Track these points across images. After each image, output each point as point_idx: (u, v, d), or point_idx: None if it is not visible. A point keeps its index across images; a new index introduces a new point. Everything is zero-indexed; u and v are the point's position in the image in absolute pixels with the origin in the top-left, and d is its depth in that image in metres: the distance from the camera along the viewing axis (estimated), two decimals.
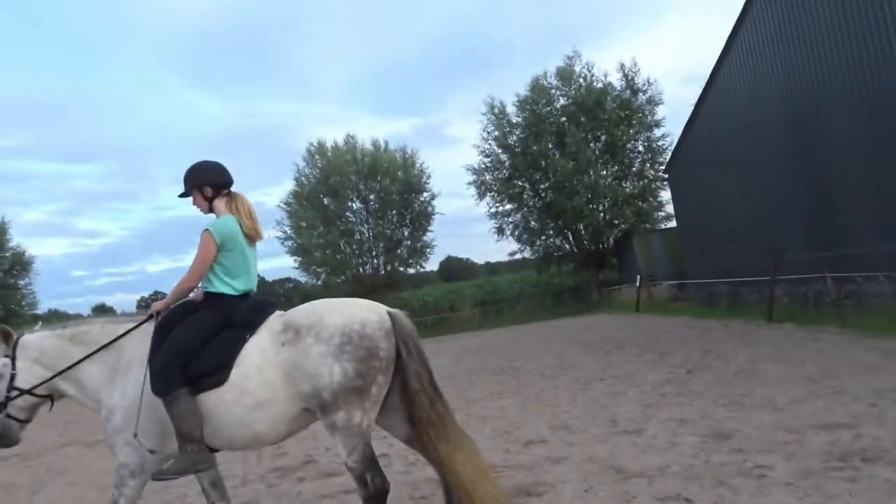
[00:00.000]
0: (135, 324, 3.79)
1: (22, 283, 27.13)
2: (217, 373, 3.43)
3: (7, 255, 26.10)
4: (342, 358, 3.29)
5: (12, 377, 3.72)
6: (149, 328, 3.69)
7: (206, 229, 3.66)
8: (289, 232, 31.91)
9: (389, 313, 3.55)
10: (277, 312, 3.71)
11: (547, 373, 10.80)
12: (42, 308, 31.47)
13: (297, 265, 32.79)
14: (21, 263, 26.93)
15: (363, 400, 3.31)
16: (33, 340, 3.85)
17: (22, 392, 3.73)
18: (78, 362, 3.72)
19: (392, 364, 3.42)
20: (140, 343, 3.65)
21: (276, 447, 7.31)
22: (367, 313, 3.48)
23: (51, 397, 3.86)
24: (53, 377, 3.75)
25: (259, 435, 3.50)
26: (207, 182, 3.86)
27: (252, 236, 3.83)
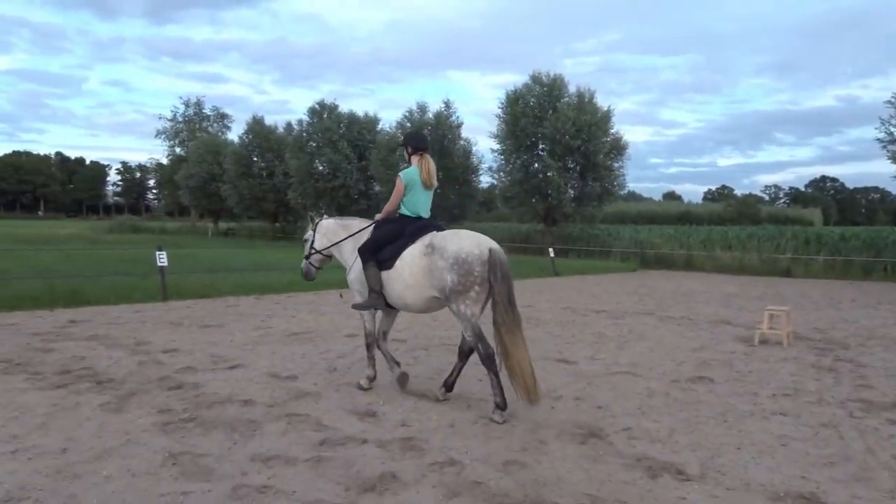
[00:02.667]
0: (368, 224, 6.06)
1: (616, 165, 31.19)
2: (390, 260, 5.46)
3: (608, 139, 30.20)
4: (452, 271, 5.03)
5: (312, 242, 6.36)
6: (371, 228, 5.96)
7: (398, 175, 5.70)
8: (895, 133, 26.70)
9: (489, 249, 5.09)
10: (433, 232, 5.45)
11: None
12: (623, 190, 35.18)
13: None
14: (618, 148, 30.84)
15: (465, 298, 5.05)
16: (324, 223, 6.40)
17: (316, 251, 6.34)
18: (343, 239, 6.15)
19: (486, 281, 5.02)
20: (367, 235, 5.83)
21: (860, 377, 6.70)
22: (473, 247, 5.08)
23: (330, 257, 6.40)
24: (330, 246, 6.24)
25: (408, 304, 5.50)
26: (411, 144, 5.92)
27: (427, 184, 5.69)
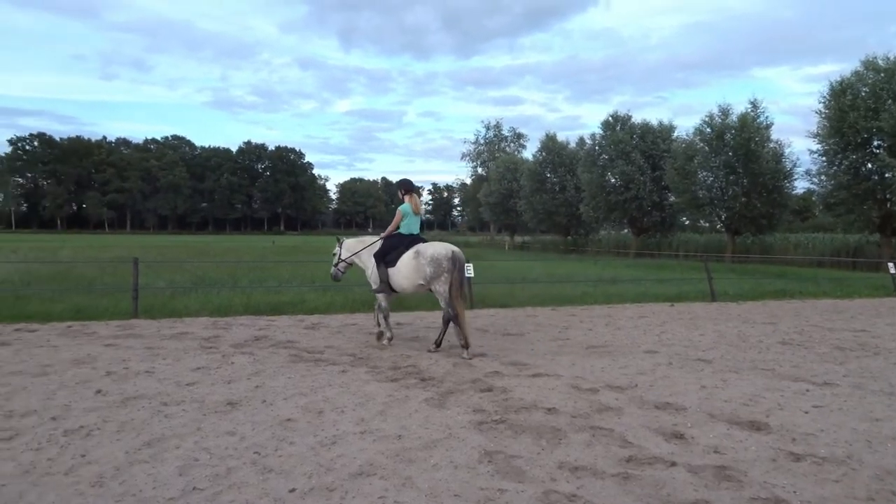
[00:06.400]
0: (377, 238, 8.84)
1: None
2: (394, 261, 8.29)
3: None
4: (430, 266, 7.97)
5: (339, 255, 9.28)
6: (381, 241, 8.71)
7: (399, 209, 8.58)
8: None
9: (452, 251, 8.07)
10: (421, 243, 8.32)
11: None
12: None
13: None
14: None
15: (438, 281, 7.98)
16: (346, 241, 9.38)
17: (342, 260, 9.24)
18: (360, 251, 9.05)
19: (451, 271, 7.94)
20: (377, 246, 8.69)
21: None
22: (443, 250, 8.05)
23: (351, 264, 9.28)
24: (351, 256, 9.15)
25: (405, 288, 8.33)
26: (403, 187, 8.72)
27: (416, 212, 8.64)
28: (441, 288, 7.97)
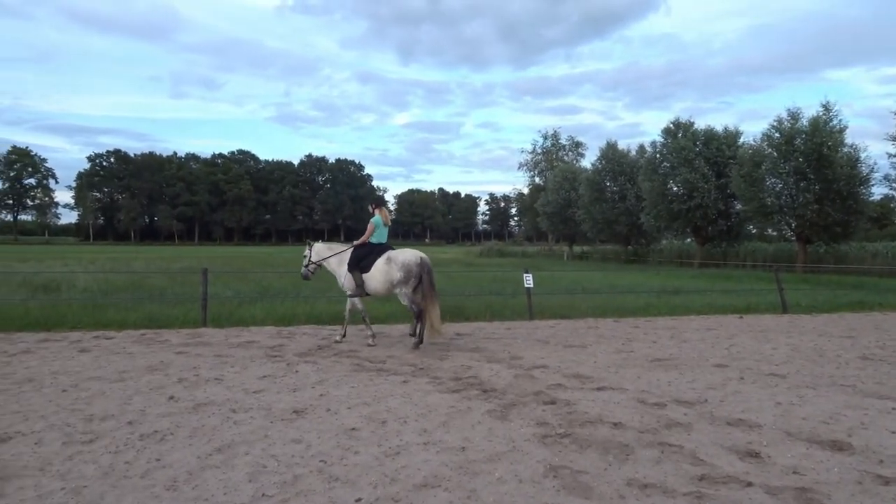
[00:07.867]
0: (348, 247, 9.90)
1: None
2: (367, 267, 9.29)
3: None
4: (400, 271, 9.06)
5: (309, 257, 10.15)
6: (351, 249, 9.77)
7: (371, 221, 9.63)
8: None
9: (420, 258, 9.17)
10: (390, 250, 9.40)
11: None
12: None
13: None
14: None
15: (407, 285, 9.08)
16: (316, 246, 10.23)
17: (312, 262, 10.11)
18: (329, 257, 9.98)
19: (419, 276, 9.06)
20: (349, 254, 9.69)
21: None
22: (413, 257, 9.15)
23: (320, 266, 10.11)
24: (320, 261, 10.06)
25: (378, 291, 9.35)
26: (374, 202, 10.00)
27: (385, 224, 9.77)
28: (407, 290, 9.12)
